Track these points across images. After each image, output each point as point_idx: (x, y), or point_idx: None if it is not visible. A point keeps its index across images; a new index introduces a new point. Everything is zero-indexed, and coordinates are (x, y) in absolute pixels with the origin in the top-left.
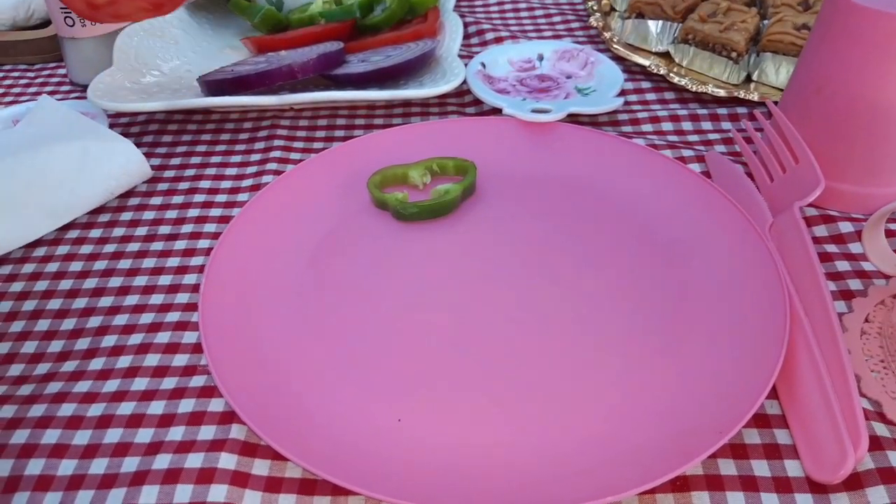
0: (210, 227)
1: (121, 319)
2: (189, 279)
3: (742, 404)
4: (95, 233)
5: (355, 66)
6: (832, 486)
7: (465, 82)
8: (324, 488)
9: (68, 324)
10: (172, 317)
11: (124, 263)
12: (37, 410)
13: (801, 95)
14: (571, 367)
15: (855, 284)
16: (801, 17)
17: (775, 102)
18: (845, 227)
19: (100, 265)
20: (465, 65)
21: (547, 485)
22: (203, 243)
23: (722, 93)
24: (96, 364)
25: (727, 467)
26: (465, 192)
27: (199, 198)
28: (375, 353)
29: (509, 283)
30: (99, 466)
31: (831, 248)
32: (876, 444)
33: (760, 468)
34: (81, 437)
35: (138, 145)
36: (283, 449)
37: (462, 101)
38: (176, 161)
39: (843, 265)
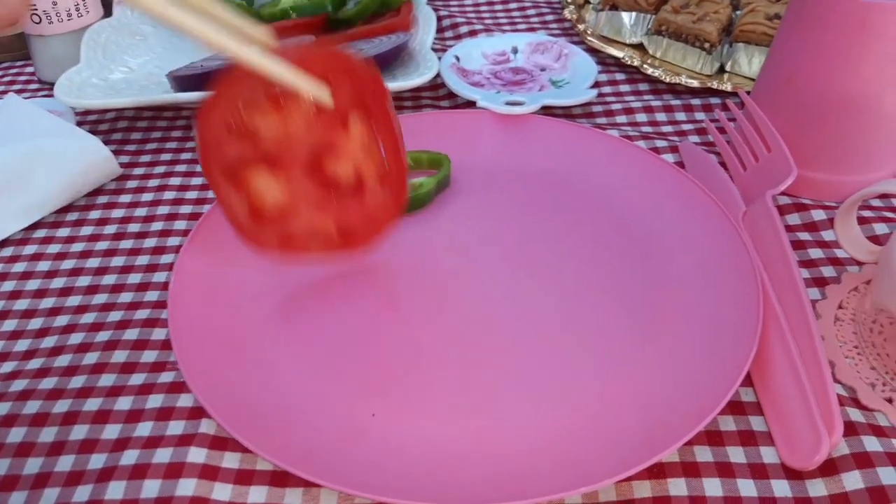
0: (180, 225)
1: (88, 317)
2: (159, 277)
3: (717, 392)
4: (63, 232)
5: None
6: (808, 472)
7: (438, 76)
8: (297, 480)
9: (35, 323)
10: (141, 314)
11: (93, 262)
12: (1, 409)
13: (773, 85)
14: (546, 359)
15: (828, 271)
16: (773, 7)
17: (748, 92)
18: (818, 215)
19: (68, 264)
20: (439, 58)
21: (522, 476)
22: (173, 241)
23: (695, 83)
24: (62, 361)
25: (703, 454)
26: (440, 185)
27: (169, 195)
28: (349, 347)
29: (484, 276)
30: (65, 464)
31: (804, 235)
32: (851, 429)
33: (736, 455)
34: (47, 435)
35: (107, 143)
36: (251, 444)
37: (436, 95)
38: (145, 158)
39: (816, 252)
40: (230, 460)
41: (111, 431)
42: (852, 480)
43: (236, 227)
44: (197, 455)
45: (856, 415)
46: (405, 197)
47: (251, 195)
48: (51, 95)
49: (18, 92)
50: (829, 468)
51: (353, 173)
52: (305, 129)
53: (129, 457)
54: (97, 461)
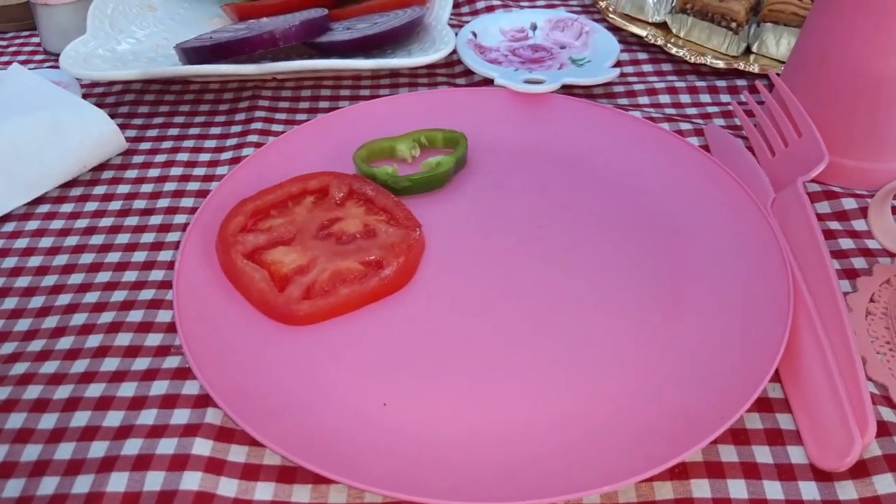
0: (187, 202)
1: (91, 297)
2: (164, 256)
3: (744, 388)
4: (67, 207)
5: (340, 34)
6: (837, 474)
7: (455, 52)
8: (305, 476)
9: (36, 302)
10: (146, 295)
11: (97, 239)
12: (1, 393)
13: (804, 66)
14: (564, 351)
15: (859, 263)
16: None
17: (777, 74)
18: (849, 204)
19: (71, 241)
20: (456, 34)
21: (539, 474)
22: (179, 218)
23: (721, 64)
24: (64, 343)
25: (728, 454)
26: (458, 164)
27: (175, 171)
28: (361, 333)
29: (502, 260)
30: (65, 451)
31: (834, 225)
32: (883, 429)
33: (762, 455)
34: (47, 421)
35: (113, 116)
36: (259, 435)
37: (452, 72)
38: (152, 133)
39: (846, 243)
40: (236, 453)
41: (113, 419)
42: (885, 483)
43: (262, 303)
44: (202, 447)
45: (888, 414)
46: (419, 229)
47: (272, 265)
48: (56, 66)
49: (24, 63)
50: (861, 470)
51: (361, 225)
52: (310, 217)
53: (132, 446)
54: (98, 450)
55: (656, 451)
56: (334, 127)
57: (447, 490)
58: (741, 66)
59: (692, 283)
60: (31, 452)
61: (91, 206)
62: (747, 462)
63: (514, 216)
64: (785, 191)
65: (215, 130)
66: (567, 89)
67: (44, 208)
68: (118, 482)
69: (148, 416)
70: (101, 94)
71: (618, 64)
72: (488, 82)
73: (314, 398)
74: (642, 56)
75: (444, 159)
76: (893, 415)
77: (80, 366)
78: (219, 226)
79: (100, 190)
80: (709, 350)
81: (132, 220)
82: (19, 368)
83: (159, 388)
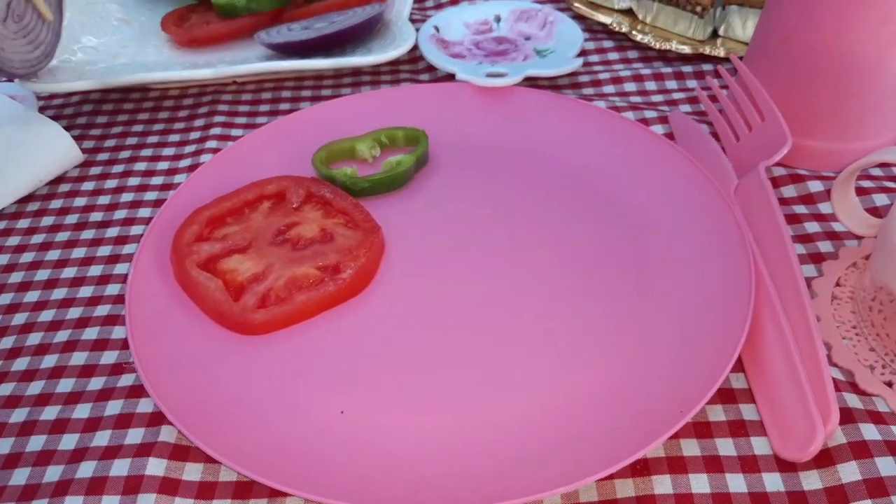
0: (145, 212)
1: (47, 315)
2: (120, 269)
3: (705, 379)
4: (23, 223)
5: (298, 34)
6: (802, 464)
7: (417, 48)
8: (260, 490)
9: None
10: (101, 311)
11: (52, 255)
12: None
13: (766, 49)
14: (521, 346)
15: (825, 247)
16: None
17: (740, 58)
18: (815, 187)
19: (27, 258)
20: (418, 29)
21: (497, 476)
22: (136, 229)
23: (687, 49)
24: (20, 365)
25: (690, 448)
26: (418, 162)
27: (133, 181)
28: (319, 340)
29: (465, 258)
30: (20, 477)
31: (800, 208)
32: (848, 416)
33: (725, 447)
34: (3, 446)
35: (72, 127)
36: (214, 452)
37: (416, 68)
38: (110, 143)
39: (812, 227)
40: (191, 472)
41: (68, 442)
42: (849, 472)
43: (217, 313)
44: (156, 467)
45: (853, 400)
46: (379, 231)
47: (226, 274)
48: (12, 80)
49: None
50: (825, 459)
51: (318, 229)
52: (266, 223)
53: (87, 469)
54: (53, 473)
55: (616, 449)
56: (293, 129)
57: (405, 498)
58: (707, 50)
59: (653, 272)
60: None
61: (47, 221)
62: (710, 455)
63: (477, 213)
64: (747, 177)
65: (174, 138)
66: (532, 81)
67: (0, 225)
68: None
69: (102, 438)
70: (60, 105)
71: (583, 53)
72: (452, 77)
73: (270, 409)
74: (608, 44)
75: (403, 158)
76: (859, 401)
77: (35, 387)
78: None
79: (56, 204)
80: (669, 341)
81: (88, 234)
82: None
83: (114, 407)
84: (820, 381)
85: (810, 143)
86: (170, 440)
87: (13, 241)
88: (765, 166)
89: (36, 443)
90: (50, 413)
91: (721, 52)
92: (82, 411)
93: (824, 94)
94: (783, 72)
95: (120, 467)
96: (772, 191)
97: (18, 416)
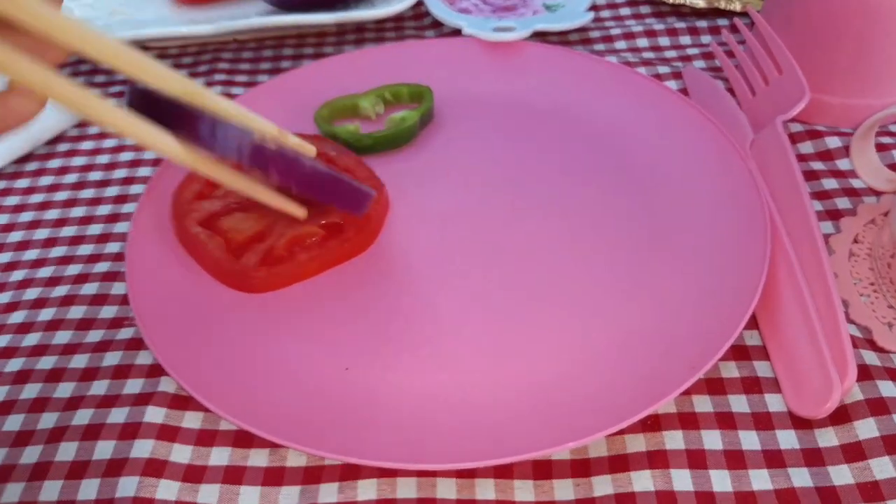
0: (144, 171)
1: (45, 272)
2: (121, 227)
3: (718, 335)
4: (22, 183)
5: None
6: (817, 421)
7: (421, 3)
8: (262, 440)
9: None
10: (101, 267)
11: (52, 214)
12: None
13: (784, 1)
14: (532, 302)
15: (843, 203)
16: None
17: (758, 11)
18: (833, 143)
19: (26, 217)
20: None
21: (506, 431)
22: (136, 189)
23: (701, 4)
24: (16, 318)
25: (702, 404)
26: (423, 119)
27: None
28: (322, 298)
29: (469, 215)
30: (14, 423)
31: (818, 165)
32: (865, 373)
33: (738, 404)
34: None
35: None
36: (212, 404)
37: (421, 25)
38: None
39: (830, 183)
40: (191, 420)
41: (64, 390)
42: (866, 429)
43: (217, 271)
44: (155, 415)
45: (871, 357)
46: (383, 190)
47: (228, 233)
48: None
49: None
50: (841, 416)
51: None
52: None
53: (82, 416)
54: (48, 420)
55: (627, 404)
56: (294, 86)
57: (409, 453)
58: (722, 4)
59: (667, 228)
60: None
61: (46, 181)
62: (723, 412)
63: (483, 170)
64: (764, 131)
65: None
66: (540, 36)
67: None
68: (67, 451)
69: (100, 387)
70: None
71: (593, 8)
72: (458, 33)
73: (272, 365)
74: None
75: (408, 114)
76: (877, 358)
77: (31, 339)
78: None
79: (55, 163)
80: (683, 297)
81: (88, 193)
82: None
83: (112, 359)
84: (837, 338)
85: (829, 98)
86: (169, 390)
87: (12, 200)
88: (782, 120)
89: (31, 391)
90: (46, 363)
91: (737, 7)
92: (79, 361)
93: (844, 47)
94: (801, 25)
95: (117, 415)
96: (789, 145)
97: (14, 365)
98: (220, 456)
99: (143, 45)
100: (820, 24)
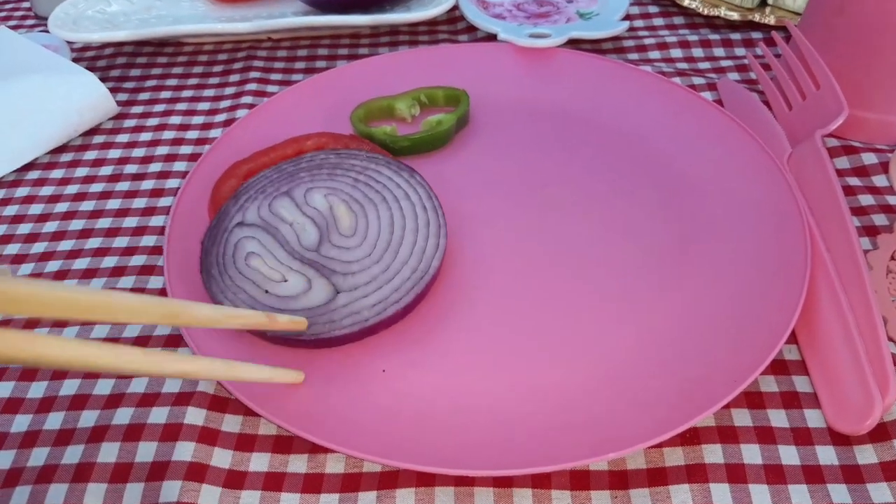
0: (180, 166)
1: (81, 263)
2: (156, 221)
3: (759, 350)
4: (57, 173)
5: None
6: (856, 438)
7: (456, 7)
8: (301, 446)
9: (25, 269)
10: (137, 260)
11: (87, 205)
12: None
13: (823, 16)
14: (571, 312)
15: (880, 219)
16: None
17: (794, 25)
18: (869, 159)
19: (61, 207)
20: None
21: (544, 440)
22: (172, 183)
23: (735, 16)
24: None
25: (742, 418)
26: (459, 122)
27: (168, 134)
28: None
29: (509, 219)
30: (55, 421)
31: (854, 181)
32: None
33: (778, 418)
34: (36, 390)
35: (105, 80)
36: (254, 404)
37: (454, 29)
38: (145, 96)
39: (866, 199)
40: (230, 423)
41: (103, 387)
42: None
43: None
44: (195, 416)
45: None
46: None
47: None
48: (47, 30)
49: (15, 28)
50: (881, 433)
51: None
52: None
53: (123, 415)
54: (88, 419)
55: (666, 416)
56: (331, 86)
57: (447, 458)
58: (756, 18)
59: (705, 240)
60: (20, 423)
61: (82, 172)
62: (762, 426)
63: (519, 175)
64: (802, 145)
65: (209, 93)
66: (574, 44)
67: (34, 175)
68: (109, 452)
69: (139, 385)
70: (92, 57)
71: (627, 17)
72: (492, 38)
73: (310, 366)
74: (653, 9)
75: (444, 117)
76: None
77: (69, 333)
78: (211, 189)
79: (90, 155)
80: (722, 311)
81: (123, 186)
82: None
83: None
84: (878, 354)
85: (866, 114)
86: (208, 391)
87: (47, 190)
88: (821, 135)
89: (70, 387)
90: None
91: (771, 20)
92: None
93: (883, 63)
94: (840, 40)
95: (157, 415)
96: (829, 159)
97: None
98: (259, 461)
99: (179, 41)
100: (857, 42)
